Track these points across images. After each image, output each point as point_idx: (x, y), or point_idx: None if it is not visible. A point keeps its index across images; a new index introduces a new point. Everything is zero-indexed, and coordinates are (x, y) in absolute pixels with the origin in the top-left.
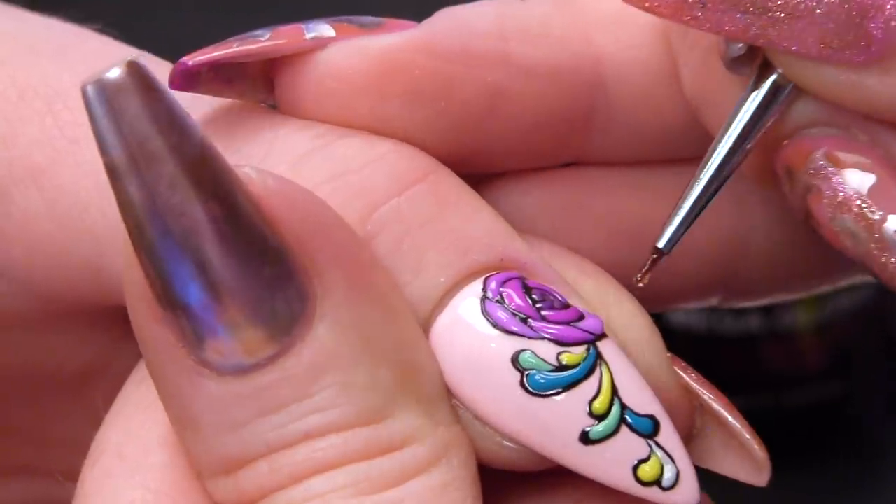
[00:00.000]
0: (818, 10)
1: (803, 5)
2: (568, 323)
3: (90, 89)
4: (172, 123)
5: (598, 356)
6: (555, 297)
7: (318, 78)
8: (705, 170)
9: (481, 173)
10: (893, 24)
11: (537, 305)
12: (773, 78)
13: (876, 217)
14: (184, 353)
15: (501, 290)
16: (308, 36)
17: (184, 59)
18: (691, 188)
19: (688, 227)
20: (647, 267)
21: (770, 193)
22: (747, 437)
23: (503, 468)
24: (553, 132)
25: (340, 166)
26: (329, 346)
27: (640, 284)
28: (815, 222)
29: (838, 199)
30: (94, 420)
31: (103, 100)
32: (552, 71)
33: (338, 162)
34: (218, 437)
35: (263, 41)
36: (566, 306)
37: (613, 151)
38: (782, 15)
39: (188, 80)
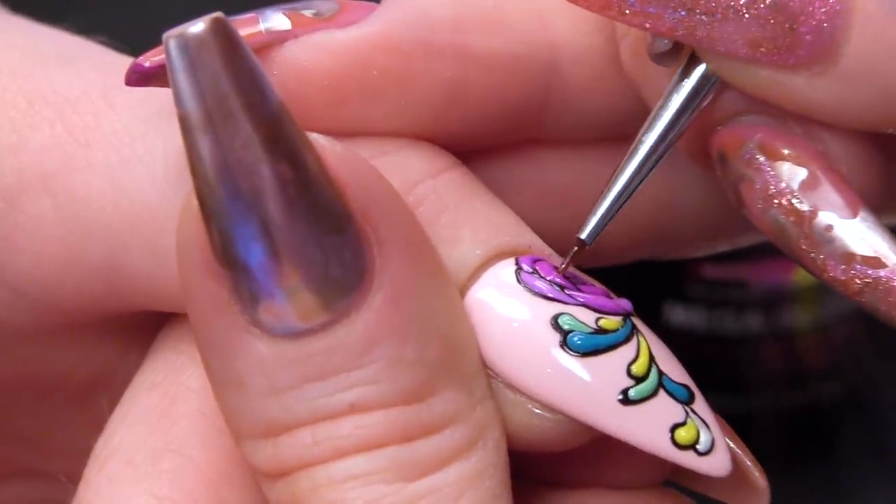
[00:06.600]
0: (746, 14)
1: (731, 9)
2: (602, 296)
3: (172, 43)
4: (252, 83)
5: (635, 327)
6: (584, 278)
7: (276, 79)
8: (626, 167)
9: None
10: (824, 28)
11: (571, 281)
12: (701, 70)
13: (806, 211)
14: (236, 311)
15: (534, 265)
16: (262, 27)
17: (139, 59)
18: (612, 183)
19: (609, 220)
20: (569, 257)
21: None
22: (748, 464)
23: (529, 447)
24: (510, 118)
25: (375, 148)
26: (383, 317)
27: (564, 272)
28: (746, 210)
29: (769, 192)
30: (99, 427)
31: (185, 54)
32: (511, 61)
33: (371, 144)
34: (262, 399)
35: None
36: (594, 287)
37: (568, 130)
38: (709, 17)
39: (144, 79)
